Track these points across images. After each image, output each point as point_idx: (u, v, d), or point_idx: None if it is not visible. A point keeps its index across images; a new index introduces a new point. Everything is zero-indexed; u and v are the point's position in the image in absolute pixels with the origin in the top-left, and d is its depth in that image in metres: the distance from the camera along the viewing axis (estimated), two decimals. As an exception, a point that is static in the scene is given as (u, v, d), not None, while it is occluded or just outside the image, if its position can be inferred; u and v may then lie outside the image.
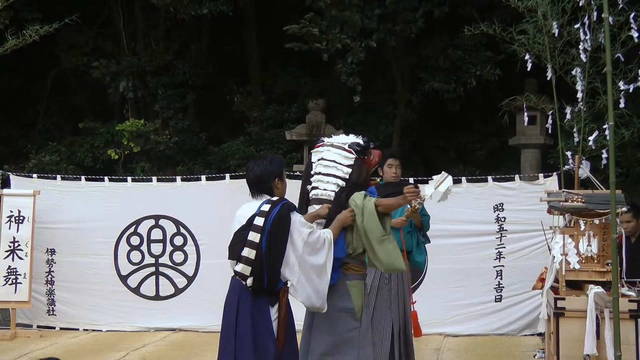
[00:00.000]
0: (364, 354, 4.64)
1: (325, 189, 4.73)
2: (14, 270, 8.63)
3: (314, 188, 4.78)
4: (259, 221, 4.38)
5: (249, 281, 4.37)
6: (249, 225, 4.41)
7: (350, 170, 4.73)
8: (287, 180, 4.76)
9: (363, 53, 11.25)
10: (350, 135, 4.94)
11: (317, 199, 4.75)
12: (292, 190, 4.88)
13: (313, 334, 4.70)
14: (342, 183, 4.71)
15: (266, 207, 4.43)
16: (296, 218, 4.44)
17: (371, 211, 4.53)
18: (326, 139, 4.94)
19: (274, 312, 4.41)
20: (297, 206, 4.68)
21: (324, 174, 4.76)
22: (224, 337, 4.51)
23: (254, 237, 4.36)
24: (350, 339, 4.60)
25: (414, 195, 4.55)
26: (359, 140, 4.87)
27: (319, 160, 4.80)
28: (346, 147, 4.79)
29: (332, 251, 4.50)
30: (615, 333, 4.67)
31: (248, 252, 4.36)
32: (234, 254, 4.44)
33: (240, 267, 4.39)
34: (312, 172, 4.82)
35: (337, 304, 4.60)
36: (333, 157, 4.78)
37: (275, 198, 4.52)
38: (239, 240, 4.44)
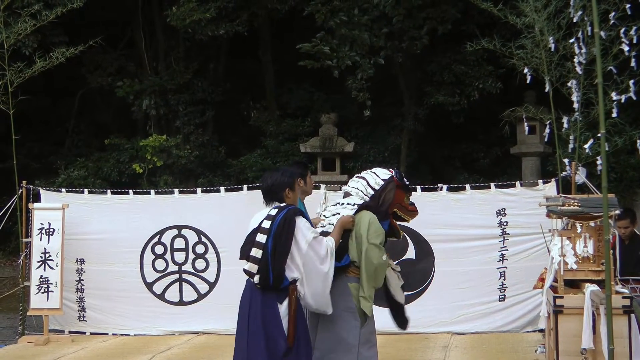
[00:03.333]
0: (365, 354, 4.71)
1: (352, 186, 4.98)
2: (46, 279, 8.71)
3: (347, 185, 5.06)
4: (266, 224, 4.57)
5: (256, 279, 4.55)
6: (258, 228, 4.60)
7: (382, 183, 4.91)
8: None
9: (372, 69, 11.37)
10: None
11: (345, 191, 5.02)
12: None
13: (317, 333, 4.80)
14: (369, 191, 4.90)
15: (274, 212, 4.62)
16: (301, 222, 4.58)
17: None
18: None
19: (283, 308, 4.50)
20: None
21: (359, 176, 5.03)
22: (239, 335, 4.66)
23: (261, 238, 4.55)
24: (350, 337, 4.69)
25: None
26: (405, 180, 5.10)
27: (366, 170, 5.12)
28: (389, 168, 5.06)
29: (334, 259, 4.63)
30: (609, 328, 4.76)
31: (255, 252, 4.54)
32: (244, 254, 4.64)
33: (248, 266, 4.58)
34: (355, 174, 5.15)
35: (339, 304, 4.71)
36: (375, 170, 5.07)
37: (283, 204, 4.69)
38: (248, 242, 4.63)
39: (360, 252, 4.74)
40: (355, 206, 4.84)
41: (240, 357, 4.64)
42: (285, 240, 4.50)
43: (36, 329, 9.08)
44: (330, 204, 5.09)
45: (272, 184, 4.75)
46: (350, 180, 5.09)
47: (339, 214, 4.86)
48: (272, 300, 4.51)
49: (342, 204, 4.93)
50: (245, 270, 4.61)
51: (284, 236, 4.50)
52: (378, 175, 4.96)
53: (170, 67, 14.62)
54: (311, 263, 4.55)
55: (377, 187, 4.90)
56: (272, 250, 4.49)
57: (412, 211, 5.15)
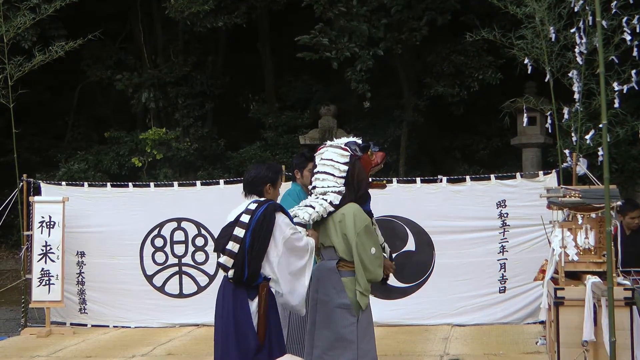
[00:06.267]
0: (364, 348, 4.63)
1: (322, 187, 4.74)
2: (47, 272, 8.68)
3: (314, 187, 4.81)
4: (245, 218, 4.46)
5: (230, 273, 4.45)
6: (236, 221, 4.49)
7: (346, 167, 4.71)
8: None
9: (371, 61, 11.28)
10: (352, 137, 4.95)
11: (319, 194, 4.77)
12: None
13: (316, 330, 4.71)
14: (340, 181, 4.70)
15: (253, 206, 4.51)
16: (280, 218, 4.47)
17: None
18: (328, 142, 4.96)
19: (254, 305, 4.41)
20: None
21: (321, 172, 4.77)
22: (215, 330, 4.60)
23: (239, 232, 4.44)
24: (348, 333, 4.59)
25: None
26: (357, 140, 4.88)
27: (320, 160, 4.83)
28: (342, 145, 4.80)
29: (313, 258, 4.54)
30: (611, 320, 4.70)
31: (232, 246, 4.43)
32: (219, 247, 4.53)
33: (223, 259, 4.47)
34: (314, 172, 4.86)
35: (334, 301, 4.62)
36: (330, 156, 4.79)
37: (262, 199, 4.57)
38: (224, 235, 4.52)
39: (350, 248, 4.63)
40: (330, 203, 4.66)
41: (216, 353, 4.57)
42: (264, 236, 4.40)
43: (38, 321, 9.07)
44: (303, 204, 4.84)
45: (255, 176, 4.64)
46: (314, 179, 4.82)
47: (311, 206, 4.69)
48: (243, 297, 4.42)
49: (317, 198, 4.73)
50: (219, 264, 4.52)
51: (263, 232, 4.40)
52: (338, 161, 4.73)
53: (169, 60, 14.58)
54: (289, 259, 4.44)
55: (345, 174, 4.71)
56: (249, 246, 4.39)
57: (380, 162, 4.92)
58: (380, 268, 4.69)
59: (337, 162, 4.74)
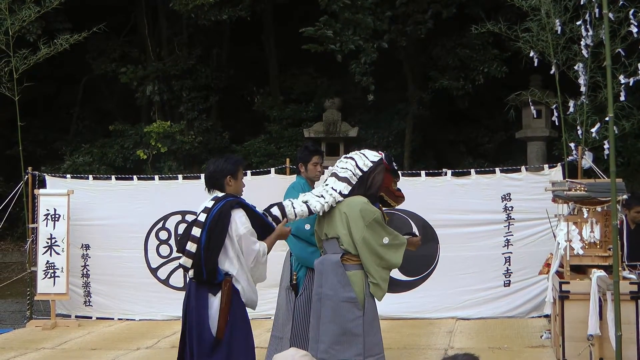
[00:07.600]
0: (371, 341, 4.64)
1: (340, 167, 4.84)
2: (52, 264, 8.70)
3: (336, 167, 4.90)
4: (202, 217, 4.42)
5: (190, 273, 4.44)
6: (194, 221, 4.47)
7: (371, 164, 4.79)
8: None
9: (375, 54, 11.23)
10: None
11: (332, 172, 4.88)
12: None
13: (321, 324, 4.71)
14: (357, 172, 4.76)
15: (210, 204, 4.45)
16: (237, 214, 4.41)
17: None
18: None
19: (216, 301, 4.37)
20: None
21: (348, 157, 4.89)
22: (182, 330, 4.60)
23: (196, 232, 4.40)
24: (354, 327, 4.60)
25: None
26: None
27: (354, 151, 4.98)
28: (379, 151, 4.92)
29: (264, 263, 4.49)
30: (617, 314, 4.68)
31: (190, 246, 4.41)
32: (180, 247, 4.50)
33: (183, 260, 4.46)
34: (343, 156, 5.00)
35: (340, 295, 4.62)
36: (364, 151, 4.93)
37: (222, 194, 4.50)
38: (184, 235, 4.50)
39: (355, 241, 4.63)
40: (339, 193, 4.72)
41: (180, 349, 4.58)
42: (219, 234, 4.34)
43: (44, 314, 9.09)
44: (321, 186, 4.93)
45: (214, 170, 4.58)
46: (338, 160, 4.94)
47: (322, 196, 4.75)
48: (204, 293, 4.39)
49: (327, 186, 4.80)
50: (180, 265, 4.51)
51: (218, 230, 4.34)
52: (367, 157, 4.83)
53: (173, 53, 14.56)
54: (245, 260, 4.40)
55: (365, 169, 4.78)
56: (205, 245, 4.35)
57: (399, 196, 5.04)
58: (397, 253, 4.71)
59: (366, 157, 4.85)
